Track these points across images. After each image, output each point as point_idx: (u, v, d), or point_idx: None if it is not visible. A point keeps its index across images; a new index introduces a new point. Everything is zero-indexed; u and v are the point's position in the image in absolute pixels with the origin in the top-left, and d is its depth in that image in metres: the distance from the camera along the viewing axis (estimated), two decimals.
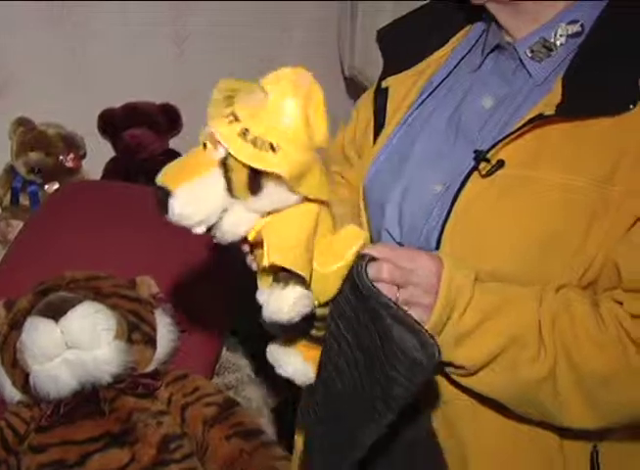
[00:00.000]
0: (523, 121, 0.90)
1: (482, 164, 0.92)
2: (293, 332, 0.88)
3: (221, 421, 1.34)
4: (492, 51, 1.01)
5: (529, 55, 0.96)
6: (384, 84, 1.11)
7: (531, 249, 0.89)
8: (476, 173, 0.93)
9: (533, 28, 0.96)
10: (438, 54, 1.08)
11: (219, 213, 0.76)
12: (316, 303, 0.81)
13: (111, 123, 2.00)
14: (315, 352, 0.88)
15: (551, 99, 0.90)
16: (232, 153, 0.73)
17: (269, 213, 0.78)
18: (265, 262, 0.75)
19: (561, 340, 0.87)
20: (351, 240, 0.81)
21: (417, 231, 0.98)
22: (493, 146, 0.92)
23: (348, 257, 0.80)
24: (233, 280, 1.69)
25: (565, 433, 0.94)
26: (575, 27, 0.94)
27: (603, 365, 0.86)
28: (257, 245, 0.80)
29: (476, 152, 0.93)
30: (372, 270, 0.81)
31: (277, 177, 0.74)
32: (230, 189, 0.76)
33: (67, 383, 1.28)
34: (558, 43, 0.94)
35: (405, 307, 0.81)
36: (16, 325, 1.38)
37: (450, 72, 1.06)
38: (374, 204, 1.06)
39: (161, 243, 1.65)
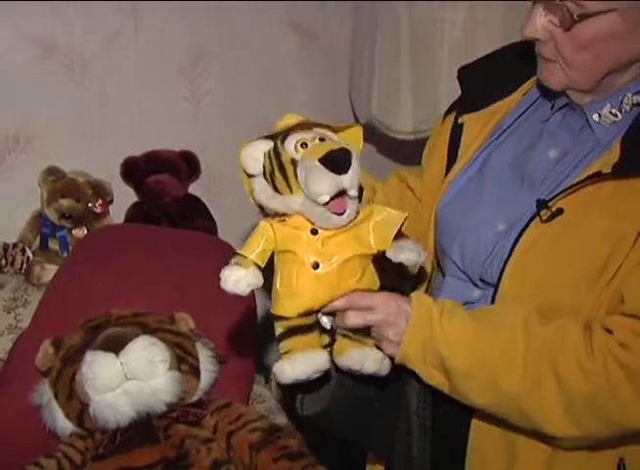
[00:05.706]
0: (583, 176, 0.99)
1: (543, 211, 1.02)
2: None
3: (267, 445, 1.39)
4: (562, 107, 1.09)
5: (597, 120, 1.03)
6: (460, 120, 1.20)
7: (582, 283, 0.98)
8: (537, 219, 1.02)
9: (602, 96, 1.04)
10: (510, 98, 1.16)
11: None
12: None
13: (134, 170, 2.05)
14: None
15: (609, 158, 0.99)
16: None
17: None
18: None
19: (549, 359, 0.95)
20: None
21: (478, 264, 1.08)
22: (554, 196, 1.01)
23: None
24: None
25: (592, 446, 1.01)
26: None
27: (585, 390, 0.94)
28: None
29: (538, 201, 1.03)
30: (340, 321, 0.97)
31: None
32: None
33: (125, 412, 1.34)
34: (623, 111, 1.02)
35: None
36: (70, 360, 1.45)
37: (518, 117, 1.14)
38: (443, 229, 1.16)
39: (188, 280, 1.75)
